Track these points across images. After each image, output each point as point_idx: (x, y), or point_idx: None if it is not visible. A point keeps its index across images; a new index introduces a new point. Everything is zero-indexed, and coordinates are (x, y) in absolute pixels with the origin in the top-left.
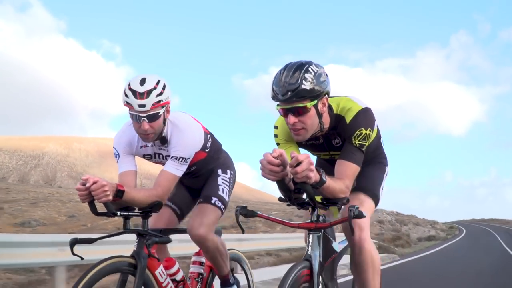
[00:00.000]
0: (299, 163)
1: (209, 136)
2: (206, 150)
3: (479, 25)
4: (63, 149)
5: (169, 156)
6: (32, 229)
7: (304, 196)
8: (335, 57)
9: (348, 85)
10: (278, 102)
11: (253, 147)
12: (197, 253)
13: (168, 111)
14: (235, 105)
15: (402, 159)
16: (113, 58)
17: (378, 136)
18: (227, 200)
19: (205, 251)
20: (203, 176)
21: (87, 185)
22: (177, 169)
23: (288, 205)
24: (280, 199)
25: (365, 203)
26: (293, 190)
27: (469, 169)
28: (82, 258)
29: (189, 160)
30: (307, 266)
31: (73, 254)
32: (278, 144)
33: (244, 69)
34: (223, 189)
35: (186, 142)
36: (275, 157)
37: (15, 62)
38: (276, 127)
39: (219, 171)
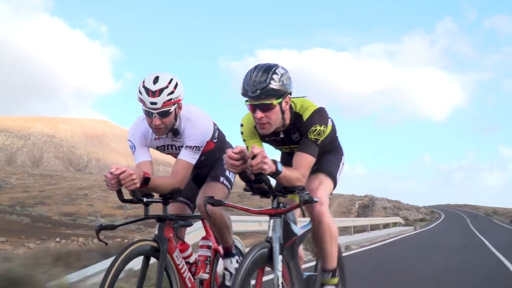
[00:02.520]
0: (254, 156)
1: (216, 127)
2: (214, 141)
3: (466, 12)
4: (49, 130)
5: (181, 146)
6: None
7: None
8: (322, 41)
9: (334, 69)
10: (247, 99)
11: (238, 130)
12: (204, 238)
13: (180, 107)
14: (220, 88)
15: (383, 142)
16: (99, 38)
17: (333, 131)
18: (232, 180)
19: (213, 224)
20: (209, 165)
21: (116, 172)
22: (192, 157)
23: (251, 194)
24: (245, 189)
25: (324, 182)
26: (253, 181)
27: (448, 153)
28: (106, 244)
29: (201, 149)
30: (267, 246)
31: (99, 240)
32: (244, 140)
33: (230, 52)
34: (229, 171)
35: (198, 132)
36: (236, 153)
37: (1, 41)
38: (242, 125)
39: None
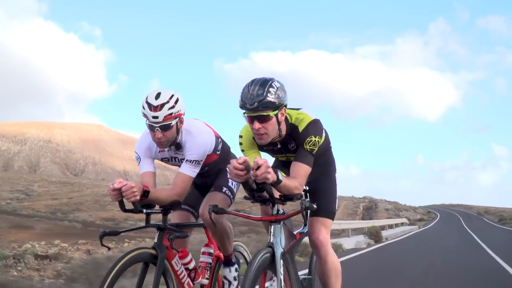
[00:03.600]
0: (258, 167)
1: (219, 139)
2: (218, 153)
3: (458, 13)
4: (45, 135)
5: (183, 159)
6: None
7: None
8: (316, 43)
9: (328, 71)
10: (245, 111)
11: (233, 133)
12: (206, 245)
13: (181, 122)
14: (215, 90)
15: (377, 143)
16: (93, 41)
17: (327, 141)
18: (235, 191)
19: (214, 232)
20: (213, 175)
21: (117, 186)
22: (191, 171)
23: (252, 202)
24: (245, 197)
25: (326, 224)
26: (256, 189)
27: (442, 153)
28: (109, 248)
29: (201, 163)
30: (270, 251)
31: (102, 245)
32: (243, 150)
33: (225, 54)
34: (232, 181)
35: (198, 147)
36: (240, 163)
37: None
38: (241, 136)
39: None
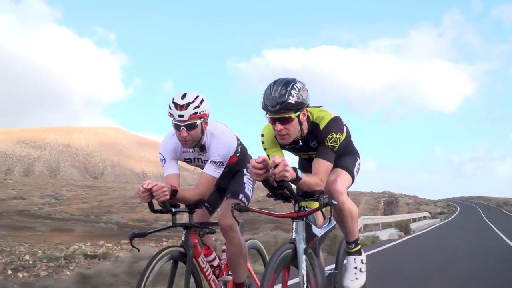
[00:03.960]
0: (276, 165)
1: (239, 142)
2: (237, 155)
3: (472, 3)
4: (64, 139)
5: (207, 160)
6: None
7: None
8: (328, 39)
9: (341, 66)
10: (267, 112)
11: (247, 130)
12: (226, 243)
13: (206, 123)
14: (228, 89)
15: (393, 136)
16: (108, 45)
17: (348, 137)
18: (250, 196)
19: (229, 241)
20: (230, 176)
21: (148, 187)
22: (215, 171)
23: (274, 199)
24: (267, 195)
25: (341, 175)
26: (276, 187)
27: (459, 144)
28: (138, 250)
29: (225, 164)
30: (291, 247)
31: (132, 246)
32: (265, 149)
33: (237, 53)
34: (248, 187)
35: (222, 148)
36: (259, 163)
37: (10, 53)
38: (262, 135)
39: (245, 170)
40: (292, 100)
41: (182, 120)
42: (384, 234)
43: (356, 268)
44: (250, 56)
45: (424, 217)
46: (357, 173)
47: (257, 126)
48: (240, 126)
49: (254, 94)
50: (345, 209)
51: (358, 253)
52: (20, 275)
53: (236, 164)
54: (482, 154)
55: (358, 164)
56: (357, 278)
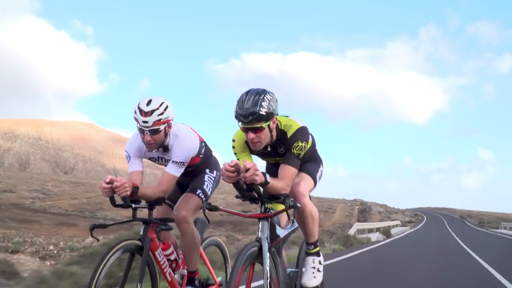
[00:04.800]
0: (247, 170)
1: (203, 144)
2: (200, 156)
3: (449, 19)
4: (35, 132)
5: (169, 160)
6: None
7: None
8: (307, 45)
9: (319, 73)
10: (240, 121)
11: (223, 133)
12: None
13: (169, 126)
14: (205, 90)
15: (365, 145)
16: (84, 39)
17: (313, 145)
18: (209, 194)
19: (183, 233)
20: (194, 175)
21: (109, 181)
22: (176, 171)
23: (243, 200)
24: (236, 196)
25: (304, 179)
26: (245, 189)
27: (428, 156)
28: (98, 240)
29: (186, 164)
30: (257, 245)
31: (92, 236)
32: (235, 153)
33: (216, 55)
34: (207, 184)
35: (184, 150)
36: (231, 166)
37: None
38: (234, 140)
39: (207, 170)
40: (263, 111)
41: (146, 126)
42: (373, 237)
43: (314, 268)
44: (228, 58)
45: (396, 225)
46: (320, 179)
47: (232, 128)
48: (215, 127)
49: (230, 96)
50: (307, 210)
51: (317, 254)
52: (47, 263)
53: (200, 164)
54: (450, 166)
55: (321, 171)
56: (314, 277)
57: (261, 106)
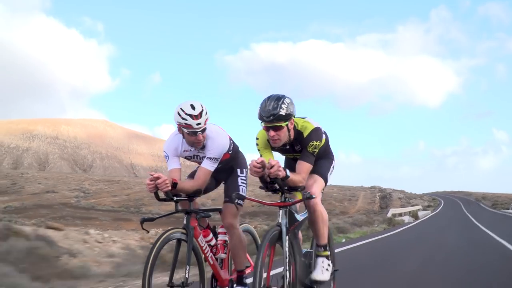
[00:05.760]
0: (272, 166)
1: (231, 141)
2: (230, 152)
3: (460, 0)
4: (52, 131)
5: (204, 157)
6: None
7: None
8: (317, 33)
9: (329, 60)
10: (262, 121)
11: (234, 124)
12: (222, 226)
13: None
14: (216, 82)
15: (378, 131)
16: (95, 36)
17: (326, 142)
18: (245, 195)
19: (231, 236)
20: (225, 169)
21: (155, 176)
22: (211, 166)
23: (265, 191)
24: (260, 187)
25: (317, 181)
26: (269, 182)
27: (442, 139)
28: (148, 232)
29: (219, 160)
30: (278, 229)
31: (143, 228)
32: (259, 150)
33: (226, 46)
34: (242, 188)
35: (217, 147)
36: (258, 163)
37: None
38: (257, 139)
39: (238, 171)
40: (282, 112)
41: (200, 127)
42: (405, 219)
43: (323, 267)
44: (238, 49)
45: (419, 210)
46: (331, 174)
47: (243, 118)
48: (227, 119)
49: (242, 87)
50: (318, 210)
51: (327, 257)
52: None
53: (229, 160)
54: (465, 149)
55: (333, 166)
56: (323, 273)
57: (280, 108)
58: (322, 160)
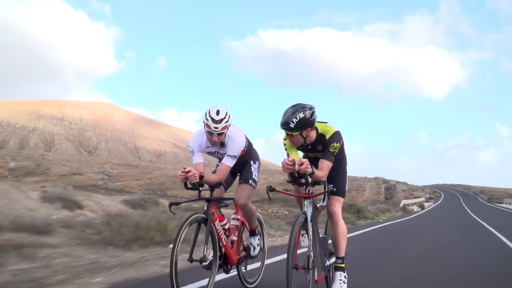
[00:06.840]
0: (302, 164)
1: (247, 140)
2: (245, 149)
3: None
4: (58, 113)
5: (224, 153)
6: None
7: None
8: (324, 21)
9: (335, 49)
10: (284, 130)
11: (240, 110)
12: (234, 213)
13: (227, 128)
14: (221, 68)
15: (381, 121)
16: (102, 18)
17: (342, 144)
18: (257, 181)
19: (244, 213)
20: (240, 163)
21: (186, 170)
22: (231, 162)
23: (292, 184)
24: (288, 181)
25: (339, 200)
26: (298, 177)
27: (445, 131)
28: (174, 214)
29: (238, 157)
30: (304, 217)
31: (170, 211)
32: (286, 149)
33: (232, 31)
34: (255, 174)
35: (236, 146)
36: (290, 161)
37: (7, 22)
38: (284, 139)
39: (251, 162)
40: (292, 125)
41: (216, 130)
42: (414, 208)
43: (341, 280)
44: (244, 35)
45: (422, 201)
46: (346, 181)
47: (247, 104)
48: (232, 104)
49: (247, 73)
50: (340, 225)
51: (343, 270)
52: None
53: (244, 156)
54: (467, 142)
55: (347, 174)
56: (341, 286)
57: (292, 121)
58: (339, 171)
